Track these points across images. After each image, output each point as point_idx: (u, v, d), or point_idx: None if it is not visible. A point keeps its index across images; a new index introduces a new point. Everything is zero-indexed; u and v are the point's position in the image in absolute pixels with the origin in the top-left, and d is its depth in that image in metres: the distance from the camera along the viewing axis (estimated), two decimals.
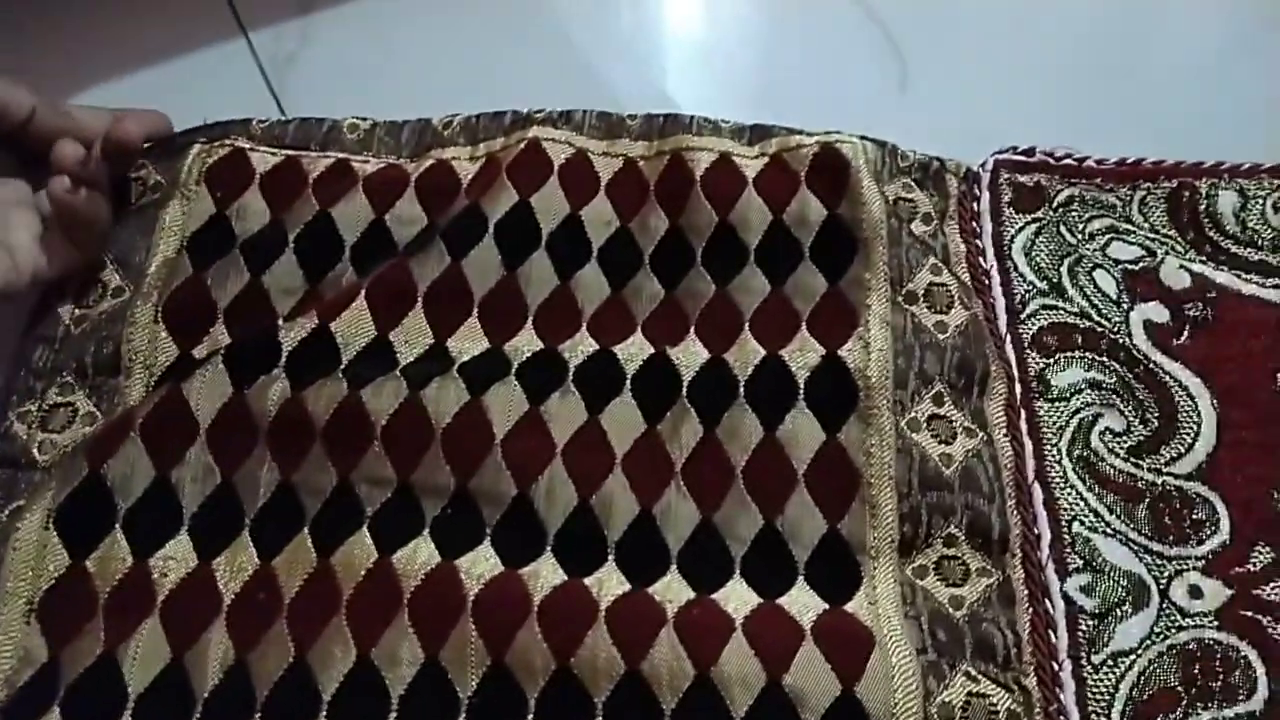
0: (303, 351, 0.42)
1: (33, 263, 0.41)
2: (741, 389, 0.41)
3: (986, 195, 0.45)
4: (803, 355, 0.41)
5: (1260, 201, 0.45)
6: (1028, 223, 0.45)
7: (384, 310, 0.42)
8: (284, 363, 0.41)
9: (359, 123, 0.49)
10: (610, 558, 0.38)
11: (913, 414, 0.40)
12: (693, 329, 0.43)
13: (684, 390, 0.41)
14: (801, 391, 0.40)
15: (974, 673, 0.35)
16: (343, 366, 0.41)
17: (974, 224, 0.45)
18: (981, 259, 0.44)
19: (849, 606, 0.37)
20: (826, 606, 0.37)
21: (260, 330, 0.42)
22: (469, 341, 0.43)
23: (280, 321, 0.43)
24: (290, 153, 0.48)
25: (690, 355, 0.42)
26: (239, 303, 0.44)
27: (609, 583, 0.37)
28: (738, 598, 0.37)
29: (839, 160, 0.44)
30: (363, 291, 0.42)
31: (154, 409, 0.40)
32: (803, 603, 0.37)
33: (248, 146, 0.48)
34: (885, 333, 0.41)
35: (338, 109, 0.50)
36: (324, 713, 0.35)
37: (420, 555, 0.38)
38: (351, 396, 0.40)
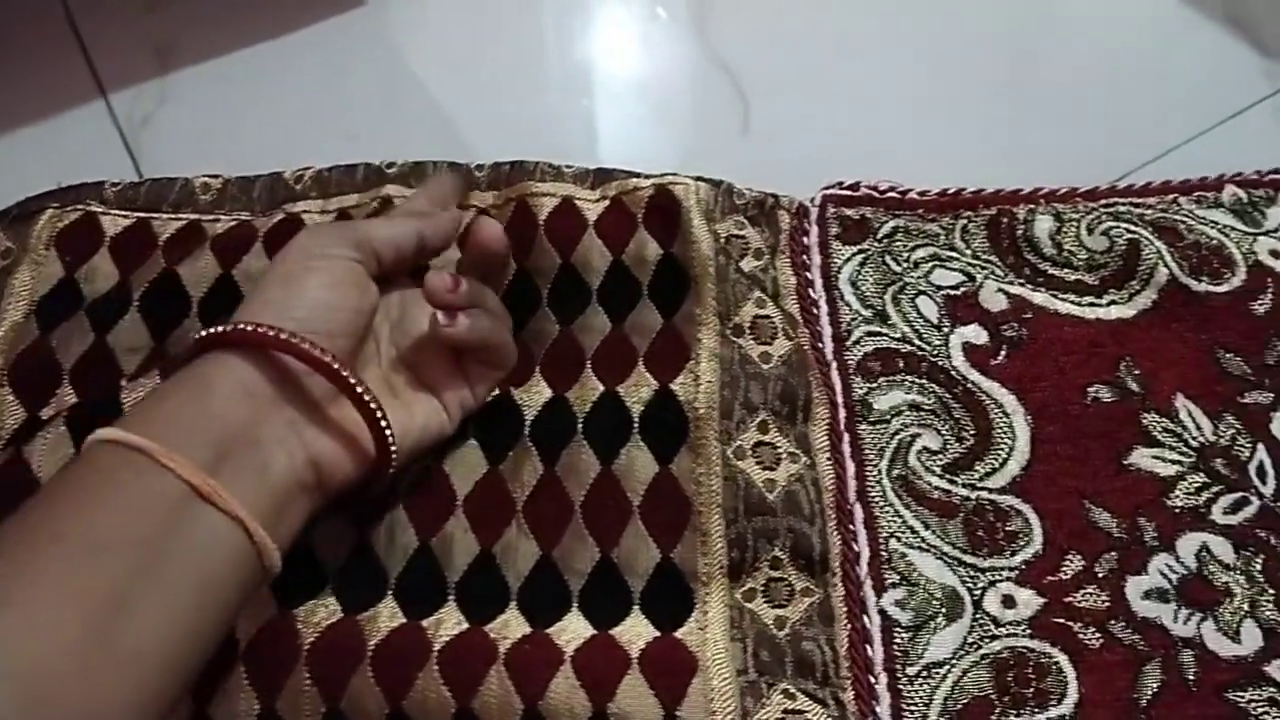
0: None
1: (459, 401, 0.40)
2: (580, 426, 0.42)
3: (815, 229, 0.47)
4: (638, 390, 0.43)
5: (1075, 224, 0.47)
6: (854, 254, 0.47)
7: None
8: None
9: (210, 181, 0.50)
10: (450, 598, 0.39)
11: (739, 442, 0.41)
12: (538, 369, 0.44)
13: (526, 430, 0.42)
14: (636, 425, 0.42)
15: (793, 690, 0.36)
16: None
17: (804, 257, 0.47)
18: (811, 290, 0.46)
19: (679, 633, 0.38)
20: (658, 634, 0.38)
21: (102, 390, 0.42)
22: None
23: (124, 381, 0.43)
24: (142, 215, 0.48)
25: (534, 395, 0.43)
26: (84, 363, 0.44)
27: (447, 623, 0.38)
28: (572, 631, 0.38)
29: (672, 201, 0.46)
30: None
31: None
32: (635, 632, 0.38)
33: (99, 210, 0.48)
34: (714, 365, 0.43)
35: (196, 168, 0.51)
36: None
37: (258, 605, 0.38)
38: None
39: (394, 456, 0.36)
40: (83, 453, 0.32)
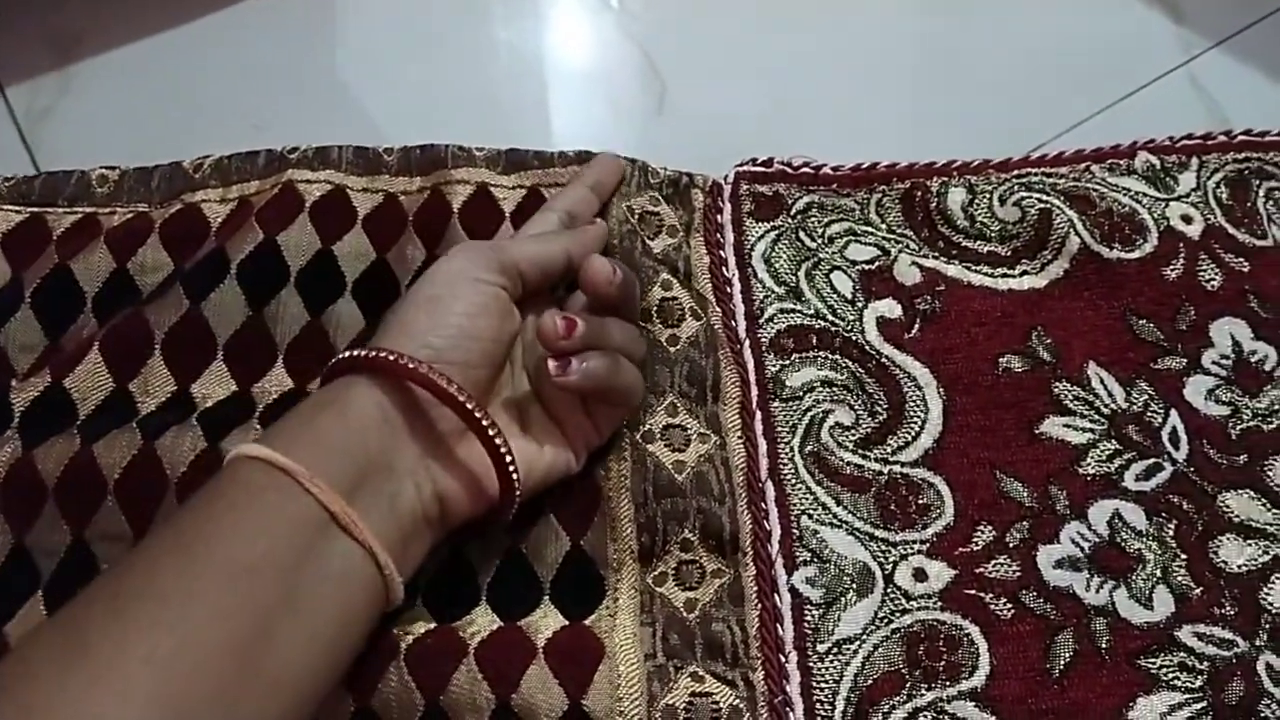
0: (35, 411, 0.41)
1: (584, 440, 0.38)
2: None
3: (729, 207, 0.46)
4: None
5: (987, 195, 0.47)
6: (767, 231, 0.46)
7: (120, 361, 0.42)
8: (16, 424, 0.40)
9: (107, 173, 0.48)
10: None
11: (647, 426, 0.40)
12: None
13: None
14: None
15: (701, 672, 0.36)
16: (79, 422, 0.41)
17: (718, 235, 0.46)
18: (724, 269, 0.45)
19: (589, 620, 0.37)
20: (566, 623, 0.37)
21: None
22: (214, 386, 0.42)
23: (13, 382, 0.42)
24: (36, 209, 0.47)
25: None
26: None
27: None
28: (479, 624, 0.37)
29: None
30: (96, 344, 0.42)
31: None
32: (544, 621, 0.37)
33: None
34: None
35: (97, 162, 0.49)
36: None
37: None
38: (83, 453, 0.39)
39: (518, 497, 0.35)
40: (229, 466, 0.32)
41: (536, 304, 0.40)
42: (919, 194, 0.47)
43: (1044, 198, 0.46)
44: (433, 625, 0.37)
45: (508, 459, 0.34)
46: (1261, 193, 0.47)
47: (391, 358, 0.33)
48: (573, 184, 0.44)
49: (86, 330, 0.43)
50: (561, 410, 0.38)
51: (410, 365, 0.33)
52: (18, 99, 0.54)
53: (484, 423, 0.34)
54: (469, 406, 0.34)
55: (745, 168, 0.48)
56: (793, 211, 0.46)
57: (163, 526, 0.31)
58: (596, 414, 0.39)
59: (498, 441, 0.34)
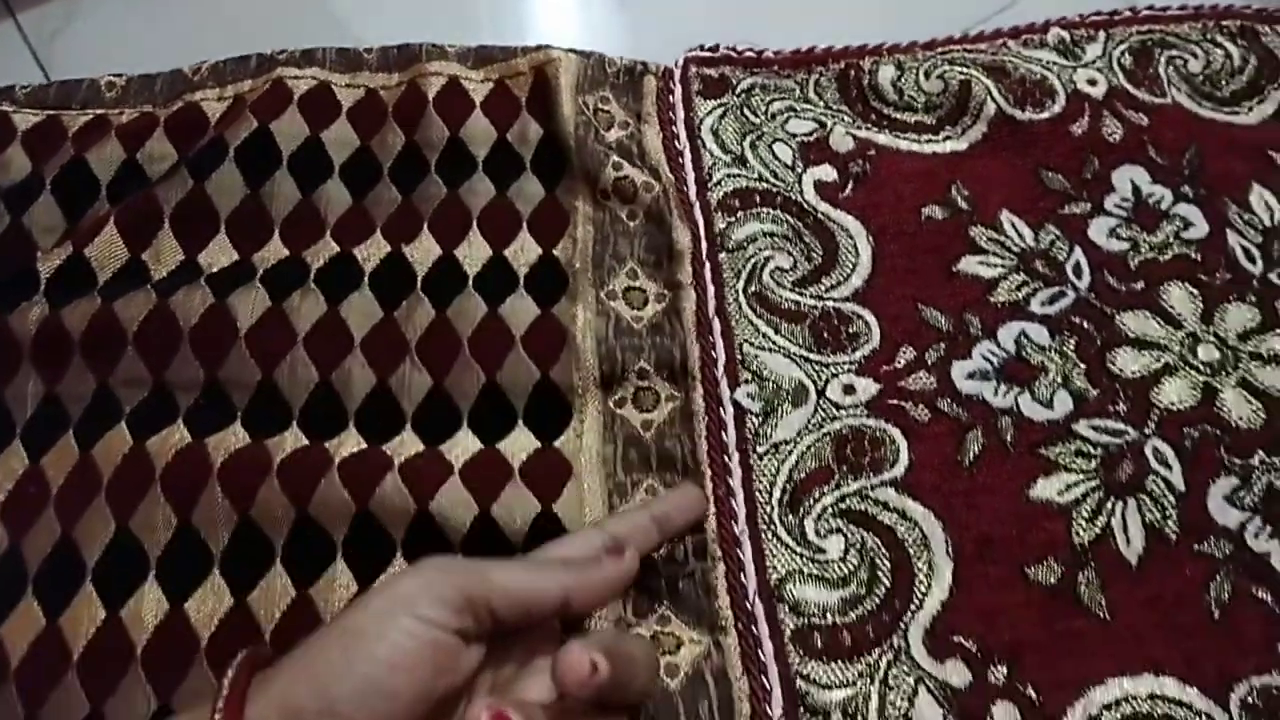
0: (59, 278, 0.46)
1: None
2: (470, 281, 0.46)
3: (679, 88, 0.51)
4: (524, 254, 0.47)
5: (914, 71, 0.51)
6: (715, 107, 0.51)
7: (134, 233, 0.47)
8: (43, 289, 0.45)
9: (115, 80, 0.53)
10: (350, 424, 0.43)
11: (610, 286, 0.46)
12: (426, 225, 0.48)
13: (418, 284, 0.46)
14: (522, 283, 0.46)
15: (655, 485, 0.41)
16: (99, 287, 0.45)
17: (669, 113, 0.51)
18: (675, 142, 0.50)
19: (558, 442, 0.42)
20: (539, 445, 0.42)
21: (19, 262, 0.46)
22: (219, 255, 0.47)
23: (39, 253, 0.46)
24: (52, 112, 0.52)
25: (423, 252, 0.47)
26: (1, 243, 0.47)
27: (347, 443, 0.42)
28: (461, 446, 0.42)
29: (549, 85, 0.50)
30: (112, 219, 0.46)
31: None
32: (519, 444, 0.42)
33: (10, 110, 0.52)
34: (589, 229, 0.47)
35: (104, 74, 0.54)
36: (89, 578, 0.39)
37: (172, 438, 0.42)
38: (104, 309, 0.44)
39: None
40: None
41: (531, 643, 0.33)
42: (853, 73, 0.52)
43: (964, 70, 0.51)
44: (423, 448, 0.42)
45: None
46: (1163, 60, 0.51)
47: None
48: (639, 508, 0.39)
49: (102, 213, 0.48)
50: None
51: None
52: (29, 24, 0.58)
53: None
54: None
55: (694, 53, 0.52)
56: (737, 90, 0.51)
57: None
58: None
59: None
